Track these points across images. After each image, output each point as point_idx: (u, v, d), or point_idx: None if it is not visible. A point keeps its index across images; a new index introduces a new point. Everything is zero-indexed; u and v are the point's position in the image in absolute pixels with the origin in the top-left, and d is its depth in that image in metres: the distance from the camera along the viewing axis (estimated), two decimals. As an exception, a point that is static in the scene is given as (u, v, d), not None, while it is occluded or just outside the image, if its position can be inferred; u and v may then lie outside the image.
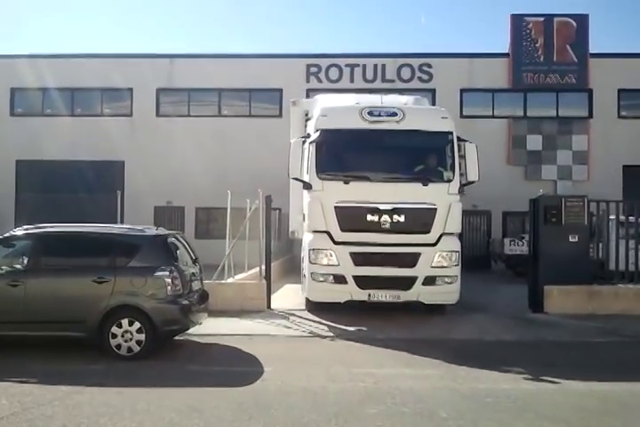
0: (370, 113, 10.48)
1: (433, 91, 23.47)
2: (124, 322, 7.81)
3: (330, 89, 23.40)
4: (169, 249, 8.39)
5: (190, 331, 8.70)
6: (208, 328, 9.21)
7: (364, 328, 9.88)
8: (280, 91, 23.65)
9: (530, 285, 11.57)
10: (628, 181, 22.62)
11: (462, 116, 23.27)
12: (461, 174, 10.62)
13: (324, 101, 11.80)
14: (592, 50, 23.37)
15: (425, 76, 23.72)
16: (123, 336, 7.79)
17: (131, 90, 23.96)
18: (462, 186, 10.61)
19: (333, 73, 23.82)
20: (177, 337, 8.70)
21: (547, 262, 10.96)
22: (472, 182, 10.67)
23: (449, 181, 10.46)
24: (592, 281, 11.19)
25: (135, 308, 7.87)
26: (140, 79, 23.54)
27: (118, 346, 7.79)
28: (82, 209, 20.73)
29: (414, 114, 10.80)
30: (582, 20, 23.42)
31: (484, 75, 23.47)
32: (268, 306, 11.56)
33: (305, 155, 10.62)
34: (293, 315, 11.03)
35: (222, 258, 12.43)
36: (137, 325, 7.80)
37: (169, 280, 7.92)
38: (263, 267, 11.85)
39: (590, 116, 23.55)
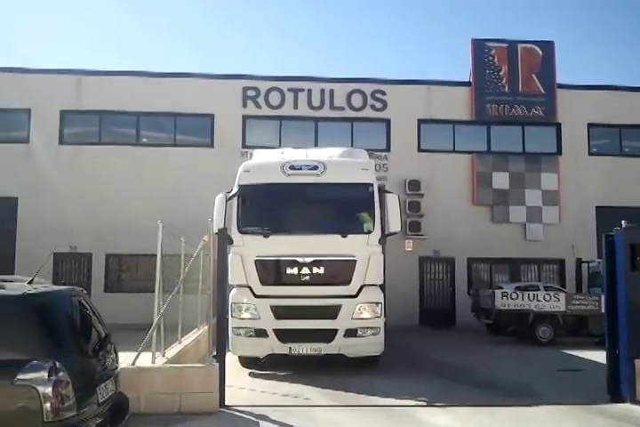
0: (291, 167, 10.62)
1: (388, 121, 20.74)
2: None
3: (270, 116, 20.23)
4: (49, 323, 4.31)
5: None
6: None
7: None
8: (211, 116, 20.11)
9: (610, 360, 8.01)
10: (601, 223, 20.15)
11: (420, 150, 20.68)
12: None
13: (256, 156, 12.24)
14: (559, 80, 21.30)
15: (378, 104, 20.74)
16: None
17: (28, 111, 19.56)
18: (384, 237, 10.62)
19: (274, 98, 20.39)
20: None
21: (636, 326, 7.53)
22: (394, 233, 10.73)
23: (369, 232, 10.41)
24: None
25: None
26: (40, 99, 19.24)
27: None
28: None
29: (335, 166, 10.90)
30: (548, 47, 21.40)
31: (444, 104, 20.81)
32: (222, 403, 7.38)
33: (228, 210, 10.54)
34: (264, 417, 6.96)
35: (140, 317, 9.37)
36: None
37: (48, 390, 3.84)
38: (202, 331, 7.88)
39: (559, 152, 21.23)
